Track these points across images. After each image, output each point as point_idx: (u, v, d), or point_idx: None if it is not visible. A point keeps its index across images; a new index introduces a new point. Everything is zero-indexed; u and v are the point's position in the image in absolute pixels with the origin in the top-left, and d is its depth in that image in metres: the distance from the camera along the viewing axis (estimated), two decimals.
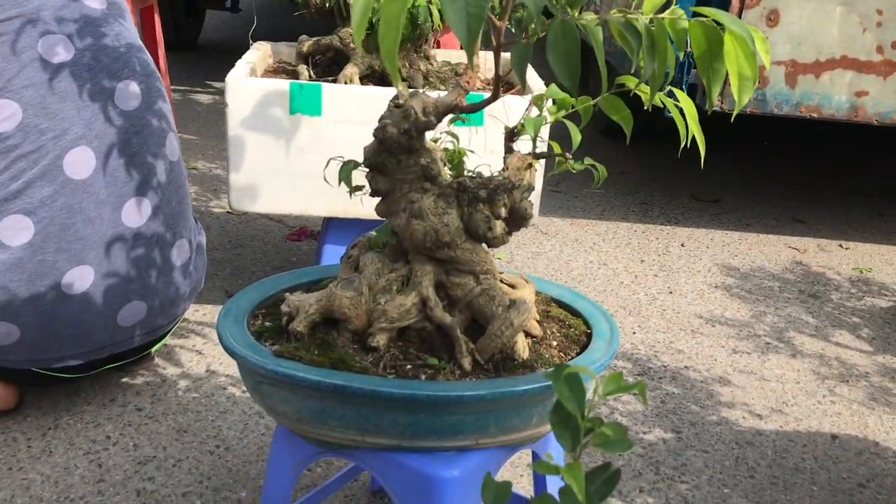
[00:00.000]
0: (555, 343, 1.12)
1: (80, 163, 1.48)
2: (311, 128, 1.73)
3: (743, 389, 1.92)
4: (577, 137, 1.08)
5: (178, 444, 1.57)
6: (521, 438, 1.07)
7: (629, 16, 0.85)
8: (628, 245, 2.74)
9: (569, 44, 0.69)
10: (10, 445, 1.53)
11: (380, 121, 1.07)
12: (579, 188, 3.24)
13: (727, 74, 0.90)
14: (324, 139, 1.74)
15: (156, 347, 1.72)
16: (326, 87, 1.71)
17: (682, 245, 2.79)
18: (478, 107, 1.02)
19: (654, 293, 2.40)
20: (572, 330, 1.16)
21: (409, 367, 1.04)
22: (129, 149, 1.55)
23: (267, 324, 1.10)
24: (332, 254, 1.87)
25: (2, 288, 1.44)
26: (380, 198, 1.09)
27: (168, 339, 1.92)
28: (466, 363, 1.04)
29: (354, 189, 1.11)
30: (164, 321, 1.66)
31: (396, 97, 1.05)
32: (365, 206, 1.78)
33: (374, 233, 1.16)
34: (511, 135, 1.12)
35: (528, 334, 1.11)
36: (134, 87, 1.56)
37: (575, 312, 1.21)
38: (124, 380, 1.75)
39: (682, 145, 1.06)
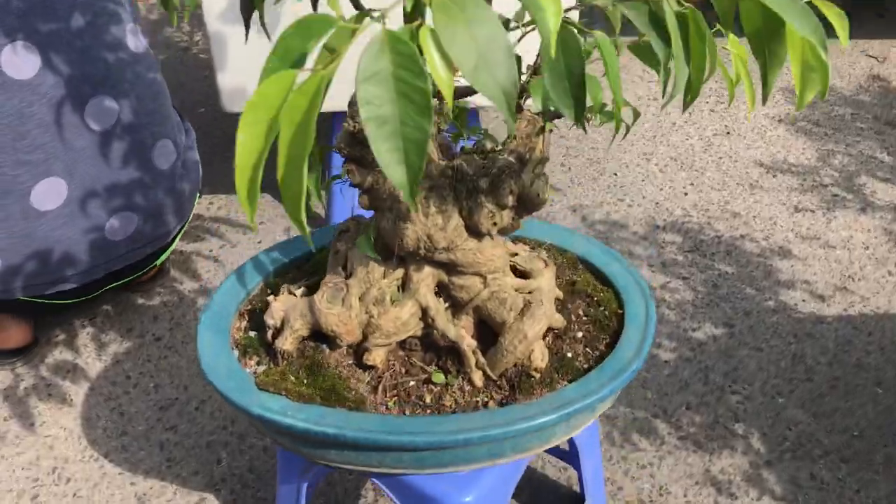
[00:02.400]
0: (580, 334, 0.97)
1: (20, 60, 1.29)
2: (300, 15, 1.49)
3: (804, 262, 1.75)
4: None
5: (198, 380, 1.51)
6: (542, 449, 0.95)
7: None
8: None
9: (407, 80, 0.47)
10: (30, 394, 1.49)
11: (349, 106, 0.87)
12: None
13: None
14: None
15: (161, 259, 1.59)
16: None
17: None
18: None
19: (710, 136, 2.16)
20: (601, 309, 1.00)
21: (412, 383, 0.92)
22: (80, 42, 1.34)
23: (251, 334, 0.98)
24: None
25: None
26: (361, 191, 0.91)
27: (183, 245, 1.82)
28: (477, 379, 0.91)
29: (331, 181, 0.93)
30: (162, 229, 1.52)
31: None
32: None
33: (361, 216, 0.99)
34: (534, 71, 0.88)
35: (548, 328, 0.96)
36: None
37: (606, 280, 1.04)
38: (140, 301, 1.67)
39: None
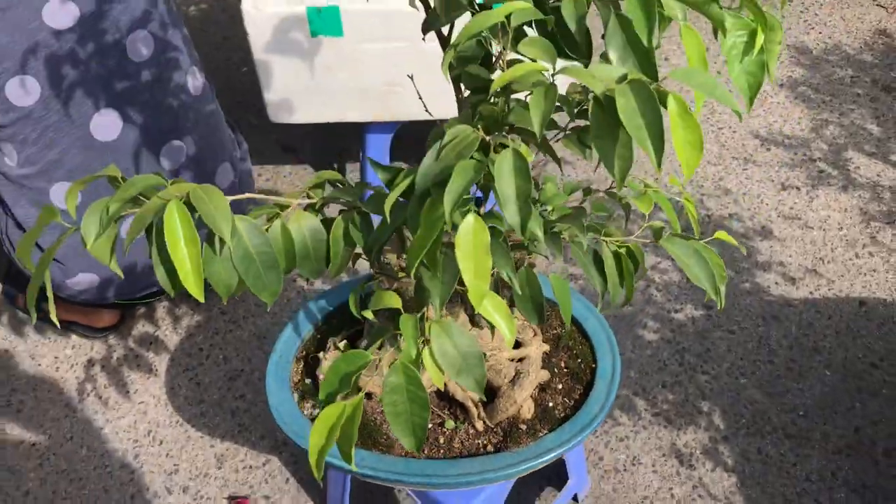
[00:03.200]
0: (561, 386, 1.25)
1: (106, 125, 1.53)
2: (335, 47, 1.69)
3: (783, 243, 1.98)
4: None
5: (259, 353, 1.82)
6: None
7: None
8: (696, 23, 2.58)
9: (413, 392, 0.73)
10: (122, 364, 1.82)
11: (375, 263, 1.11)
12: None
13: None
14: (349, 57, 1.70)
15: None
16: (345, 7, 1.63)
17: None
18: None
19: (714, 103, 2.33)
20: (579, 362, 1.28)
21: (430, 426, 1.22)
22: (151, 96, 1.57)
23: (307, 381, 1.27)
24: (375, 142, 1.92)
25: (72, 247, 1.60)
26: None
27: None
28: (479, 426, 1.20)
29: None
30: None
31: None
32: (393, 110, 1.79)
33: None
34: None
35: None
36: (143, 35, 1.53)
37: (585, 333, 1.31)
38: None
39: None
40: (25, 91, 1.45)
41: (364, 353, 0.71)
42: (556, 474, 1.58)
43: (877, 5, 2.61)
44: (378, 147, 1.93)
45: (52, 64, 1.45)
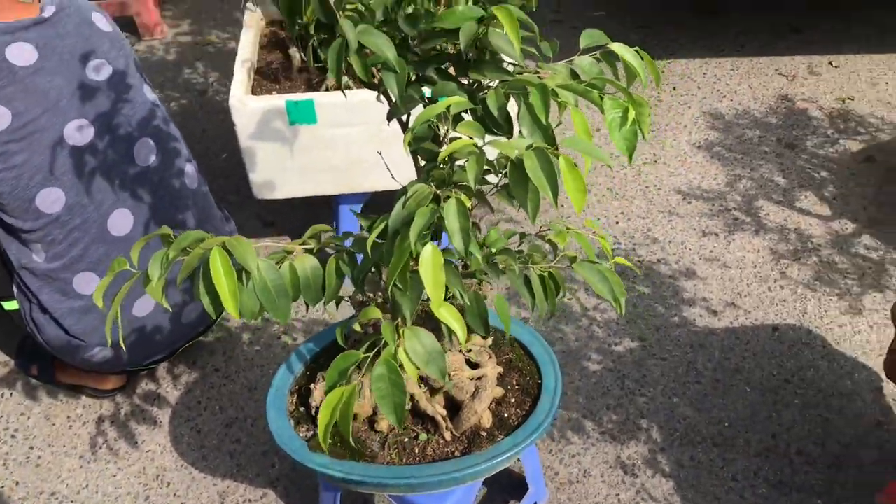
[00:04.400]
0: (513, 400, 1.51)
1: (121, 222, 1.80)
2: (310, 133, 1.98)
3: (705, 282, 2.28)
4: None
5: (251, 402, 2.06)
6: (492, 475, 1.50)
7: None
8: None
9: (394, 379, 0.99)
10: (129, 419, 2.04)
11: (353, 295, 1.38)
12: (581, 16, 3.32)
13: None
14: (322, 140, 1.99)
15: None
16: (319, 100, 1.93)
17: (675, 88, 2.96)
18: None
19: (640, 164, 2.66)
20: (528, 379, 1.54)
21: (406, 440, 1.46)
22: (158, 196, 1.84)
23: (301, 409, 1.51)
24: (347, 214, 2.20)
25: (91, 326, 1.85)
26: None
27: None
28: (447, 436, 1.45)
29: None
30: (221, 306, 2.08)
31: None
32: (365, 182, 2.08)
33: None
34: None
35: (493, 399, 1.50)
36: (149, 143, 1.82)
37: (531, 356, 1.57)
38: (199, 338, 2.21)
39: None
40: (53, 200, 1.71)
41: (356, 353, 0.97)
42: (518, 488, 1.82)
43: (779, 74, 2.99)
44: (349, 216, 2.21)
45: (74, 176, 1.72)
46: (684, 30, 3.20)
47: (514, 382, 1.54)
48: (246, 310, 0.99)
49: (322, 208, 2.47)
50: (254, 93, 2.06)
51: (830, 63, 3.02)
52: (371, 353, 1.00)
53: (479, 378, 1.48)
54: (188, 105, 3.06)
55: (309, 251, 1.06)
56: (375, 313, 1.07)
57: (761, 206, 2.49)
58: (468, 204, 0.93)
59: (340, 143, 1.99)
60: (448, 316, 0.97)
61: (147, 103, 1.84)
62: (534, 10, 1.30)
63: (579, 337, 2.16)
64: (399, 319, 1.00)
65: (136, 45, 3.39)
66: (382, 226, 0.96)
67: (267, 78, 2.12)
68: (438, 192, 0.97)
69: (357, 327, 1.15)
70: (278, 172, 2.05)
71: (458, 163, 1.03)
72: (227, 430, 2.00)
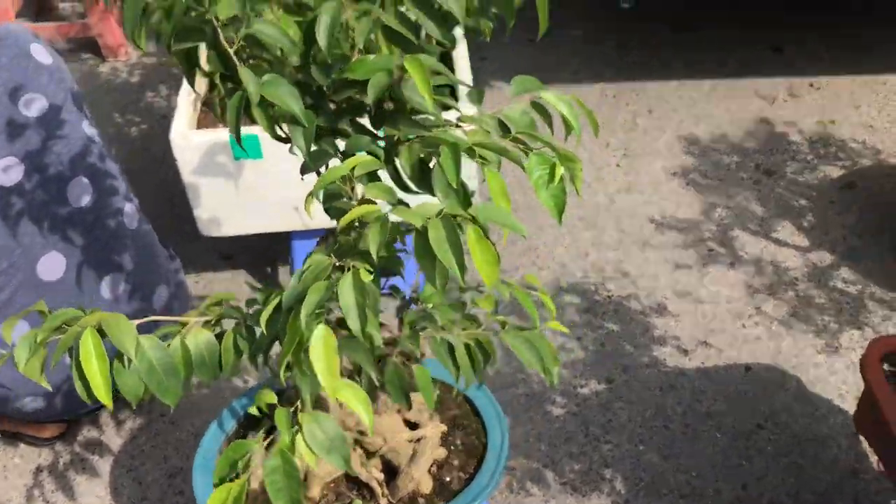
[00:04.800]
0: (456, 462, 1.41)
1: (52, 266, 1.70)
2: (256, 168, 1.88)
3: (677, 318, 2.18)
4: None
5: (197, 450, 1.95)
6: None
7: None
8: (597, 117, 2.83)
9: (288, 470, 0.89)
10: (68, 469, 1.94)
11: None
12: (557, 36, 3.22)
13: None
14: (269, 175, 1.90)
15: None
16: (264, 135, 1.83)
17: (650, 111, 2.87)
18: None
19: (613, 192, 2.56)
20: (473, 438, 1.44)
21: None
22: (92, 239, 1.74)
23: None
24: (301, 252, 2.11)
25: (20, 376, 1.74)
26: None
27: None
28: (383, 503, 1.36)
29: None
30: None
31: None
32: (314, 219, 1.98)
33: None
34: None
35: (434, 460, 1.40)
36: (83, 181, 1.72)
37: (477, 411, 1.48)
38: None
39: None
40: None
41: (247, 443, 0.87)
42: None
43: (758, 97, 2.90)
44: (304, 253, 2.11)
45: (1, 218, 1.63)
46: (661, 49, 3.11)
47: (459, 442, 1.44)
48: (129, 392, 0.89)
49: (282, 242, 2.38)
50: (200, 126, 1.96)
51: (811, 84, 2.93)
52: (269, 439, 0.91)
53: (417, 440, 1.38)
54: (150, 129, 2.97)
55: (208, 324, 0.97)
56: (270, 397, 0.97)
57: (737, 237, 2.40)
58: (367, 278, 0.84)
59: (288, 178, 1.89)
60: (351, 398, 0.87)
61: (83, 139, 1.75)
62: (488, 39, 1.21)
63: (542, 379, 2.06)
64: (299, 402, 0.91)
65: (100, 66, 3.30)
66: (276, 301, 0.87)
67: (214, 110, 2.02)
68: (339, 263, 0.87)
69: (253, 410, 1.05)
70: (224, 209, 1.95)
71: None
72: (170, 480, 1.90)
